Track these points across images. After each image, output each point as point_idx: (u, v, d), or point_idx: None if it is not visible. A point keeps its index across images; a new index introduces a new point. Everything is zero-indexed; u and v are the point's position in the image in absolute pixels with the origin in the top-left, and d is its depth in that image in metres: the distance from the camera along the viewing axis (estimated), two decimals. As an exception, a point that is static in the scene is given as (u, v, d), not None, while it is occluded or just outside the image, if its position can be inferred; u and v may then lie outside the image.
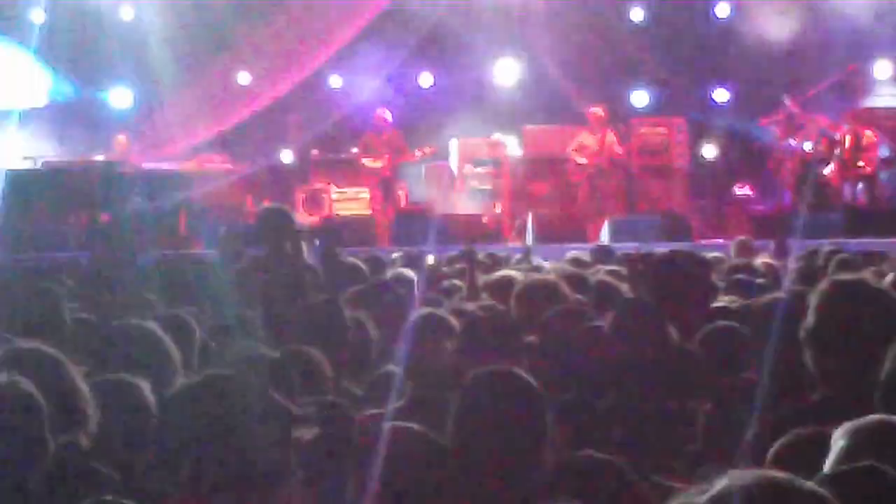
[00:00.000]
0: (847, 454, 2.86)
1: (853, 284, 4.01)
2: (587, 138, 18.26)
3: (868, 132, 17.23)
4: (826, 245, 10.68)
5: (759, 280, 8.12)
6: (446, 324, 5.30)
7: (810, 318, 3.91)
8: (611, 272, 7.89)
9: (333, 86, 20.28)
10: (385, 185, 18.68)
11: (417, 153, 18.54)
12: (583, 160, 18.16)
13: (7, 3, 19.20)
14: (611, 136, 18.27)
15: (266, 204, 12.95)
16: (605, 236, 16.35)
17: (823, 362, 3.90)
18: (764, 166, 18.26)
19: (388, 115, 18.75)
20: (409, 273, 8.70)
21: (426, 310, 5.59)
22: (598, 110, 18.23)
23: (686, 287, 5.84)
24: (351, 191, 19.01)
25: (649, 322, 5.14)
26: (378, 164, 18.53)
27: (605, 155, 18.13)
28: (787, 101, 17.75)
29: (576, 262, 9.76)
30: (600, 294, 6.63)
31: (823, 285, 3.99)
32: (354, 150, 19.19)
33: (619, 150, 18.29)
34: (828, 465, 2.87)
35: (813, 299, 3.95)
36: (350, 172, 19.13)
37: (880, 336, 3.75)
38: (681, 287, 5.80)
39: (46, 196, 16.42)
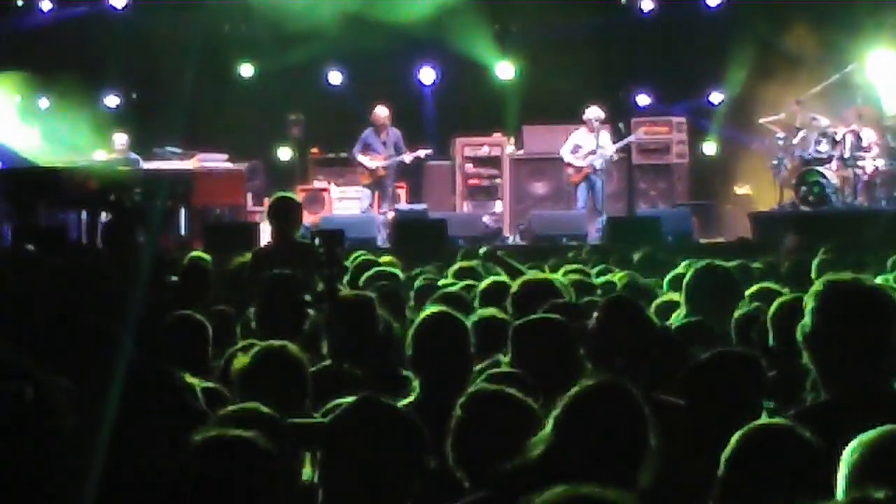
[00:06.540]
0: (860, 472, 2.83)
1: (850, 284, 4.00)
2: (583, 138, 18.14)
3: (868, 132, 17.21)
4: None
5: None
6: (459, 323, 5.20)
7: (808, 320, 3.91)
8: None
9: (333, 82, 20.22)
10: (380, 185, 18.32)
11: (408, 157, 18.13)
12: (578, 161, 18.04)
13: None
14: (605, 135, 18.16)
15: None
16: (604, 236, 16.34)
17: (826, 364, 3.91)
18: (764, 166, 18.19)
19: (386, 112, 18.28)
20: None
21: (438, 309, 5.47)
22: (595, 109, 18.14)
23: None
24: (351, 190, 18.97)
25: None
26: (375, 164, 18.19)
27: (601, 154, 18.04)
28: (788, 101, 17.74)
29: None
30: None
31: (818, 286, 3.99)
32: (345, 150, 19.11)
33: (615, 149, 18.22)
34: (840, 487, 2.84)
35: (809, 301, 3.95)
36: (349, 172, 19.08)
37: (881, 336, 3.80)
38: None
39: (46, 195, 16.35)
